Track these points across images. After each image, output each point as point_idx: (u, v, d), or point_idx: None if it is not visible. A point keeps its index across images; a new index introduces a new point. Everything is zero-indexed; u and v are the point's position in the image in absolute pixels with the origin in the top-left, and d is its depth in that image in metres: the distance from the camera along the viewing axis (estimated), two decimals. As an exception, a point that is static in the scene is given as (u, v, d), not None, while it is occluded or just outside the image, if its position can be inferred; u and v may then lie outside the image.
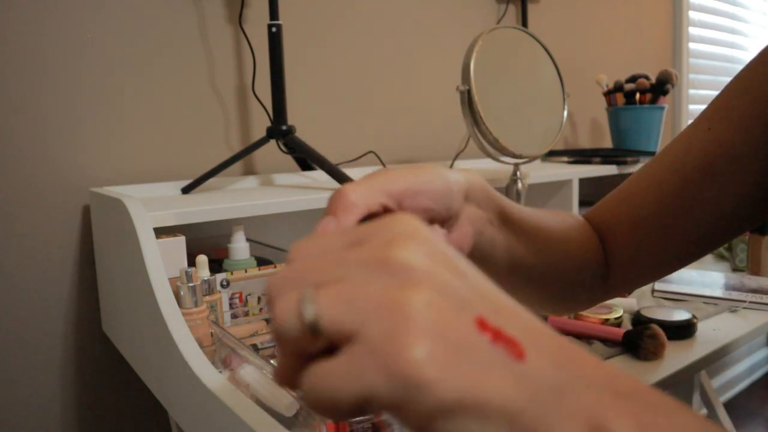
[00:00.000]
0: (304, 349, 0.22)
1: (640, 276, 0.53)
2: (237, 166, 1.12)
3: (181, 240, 0.76)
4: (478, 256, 0.42)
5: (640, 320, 0.81)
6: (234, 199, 0.84)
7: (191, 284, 0.71)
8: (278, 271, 0.25)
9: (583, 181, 1.25)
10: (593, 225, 0.55)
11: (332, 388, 0.20)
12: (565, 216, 0.52)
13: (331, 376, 0.20)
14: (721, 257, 1.25)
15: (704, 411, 1.47)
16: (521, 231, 0.45)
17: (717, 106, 0.49)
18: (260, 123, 1.15)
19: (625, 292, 0.56)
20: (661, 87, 1.52)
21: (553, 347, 0.21)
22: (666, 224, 0.49)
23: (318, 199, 0.86)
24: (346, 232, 0.24)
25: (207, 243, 0.94)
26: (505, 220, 0.44)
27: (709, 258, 1.26)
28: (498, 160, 1.02)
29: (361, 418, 0.50)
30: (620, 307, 0.85)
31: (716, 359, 0.79)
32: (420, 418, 0.20)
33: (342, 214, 0.30)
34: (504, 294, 0.23)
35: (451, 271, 0.22)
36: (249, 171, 1.16)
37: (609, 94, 1.60)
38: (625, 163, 1.32)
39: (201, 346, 0.65)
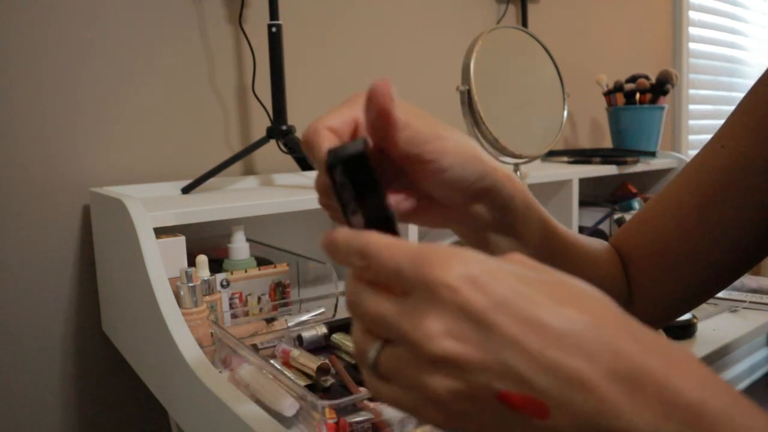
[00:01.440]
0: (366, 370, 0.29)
1: (668, 308, 0.51)
2: (237, 166, 1.12)
3: (181, 240, 0.76)
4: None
5: (640, 320, 0.81)
6: (234, 199, 0.84)
7: (191, 284, 0.71)
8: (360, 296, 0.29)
9: (583, 181, 1.25)
10: (616, 251, 0.53)
11: (376, 396, 0.29)
12: (593, 239, 0.51)
13: (381, 395, 0.28)
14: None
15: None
16: (552, 242, 0.44)
17: (729, 123, 0.49)
18: (260, 123, 1.15)
19: (653, 327, 0.54)
20: (661, 87, 1.52)
21: (592, 402, 0.23)
22: (688, 248, 0.48)
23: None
24: (395, 273, 0.27)
25: (207, 243, 0.94)
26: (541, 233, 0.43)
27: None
28: (498, 160, 1.02)
29: (361, 418, 0.50)
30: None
31: (716, 359, 0.79)
32: None
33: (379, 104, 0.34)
34: (575, 335, 0.24)
35: (483, 341, 0.25)
36: (249, 171, 1.16)
37: (609, 94, 1.60)
38: (625, 163, 1.32)
39: (201, 346, 0.65)
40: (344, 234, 0.29)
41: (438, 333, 0.25)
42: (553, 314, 0.24)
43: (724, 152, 0.47)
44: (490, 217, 0.40)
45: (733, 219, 0.46)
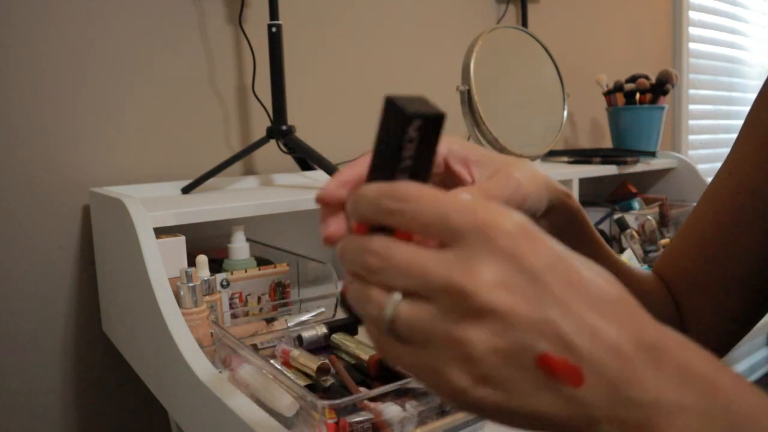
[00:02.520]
0: (376, 328, 0.27)
1: (721, 337, 0.50)
2: (237, 166, 1.12)
3: (181, 240, 0.76)
4: None
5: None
6: (234, 199, 0.84)
7: (191, 284, 0.71)
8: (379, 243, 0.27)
9: (583, 181, 1.25)
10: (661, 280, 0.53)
11: (400, 365, 0.26)
12: (640, 269, 0.51)
13: (402, 359, 0.26)
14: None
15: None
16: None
17: (734, 149, 0.49)
18: (260, 123, 1.15)
19: None
20: (661, 87, 1.52)
21: (622, 370, 0.23)
22: (721, 276, 0.48)
23: (318, 199, 0.86)
24: (440, 219, 0.25)
25: (207, 243, 0.94)
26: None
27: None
28: (498, 160, 1.02)
29: (361, 418, 0.50)
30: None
31: (716, 359, 0.79)
32: (477, 413, 0.25)
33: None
34: (605, 303, 0.24)
35: (533, 296, 0.24)
36: (249, 171, 1.16)
37: (609, 94, 1.60)
38: (625, 163, 1.32)
39: (201, 346, 0.65)
40: (375, 184, 0.27)
41: (492, 282, 0.23)
42: (593, 282, 0.24)
43: (732, 179, 0.48)
44: (555, 234, 0.41)
45: (756, 243, 0.46)
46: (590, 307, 0.24)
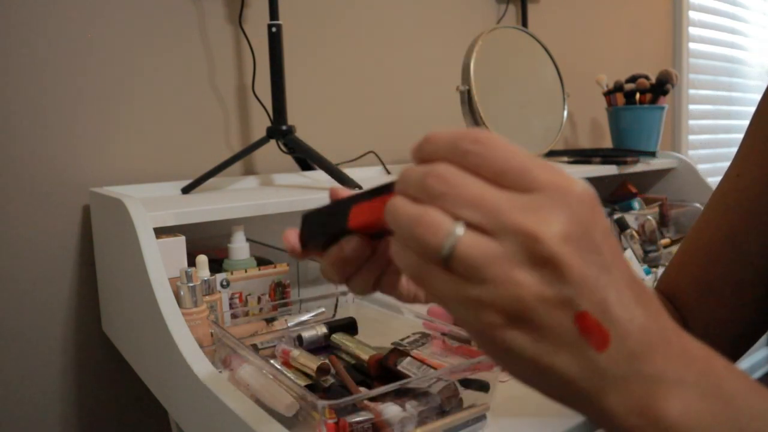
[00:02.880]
0: (423, 253, 0.25)
1: (731, 347, 0.49)
2: (237, 166, 1.12)
3: (181, 240, 0.76)
4: None
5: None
6: (234, 199, 0.84)
7: (191, 284, 0.71)
8: (436, 166, 0.26)
9: (583, 181, 1.25)
10: (666, 298, 0.52)
11: (436, 294, 0.26)
12: None
13: (442, 288, 0.25)
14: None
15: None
16: None
17: (741, 150, 0.48)
18: (260, 123, 1.15)
19: None
20: (661, 87, 1.52)
21: (640, 344, 0.25)
22: (732, 282, 0.47)
23: (318, 199, 0.86)
24: (520, 170, 0.25)
25: (207, 243, 0.94)
26: None
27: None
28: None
29: (361, 418, 0.50)
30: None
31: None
32: (496, 353, 0.26)
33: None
34: (637, 285, 0.26)
35: (591, 260, 0.25)
36: (249, 171, 1.16)
37: (609, 94, 1.60)
38: (625, 163, 1.32)
39: (201, 346, 0.65)
40: (449, 129, 0.27)
41: (559, 233, 0.24)
42: (628, 263, 0.27)
43: (741, 181, 0.47)
44: None
45: (763, 246, 0.45)
46: (628, 284, 0.26)
